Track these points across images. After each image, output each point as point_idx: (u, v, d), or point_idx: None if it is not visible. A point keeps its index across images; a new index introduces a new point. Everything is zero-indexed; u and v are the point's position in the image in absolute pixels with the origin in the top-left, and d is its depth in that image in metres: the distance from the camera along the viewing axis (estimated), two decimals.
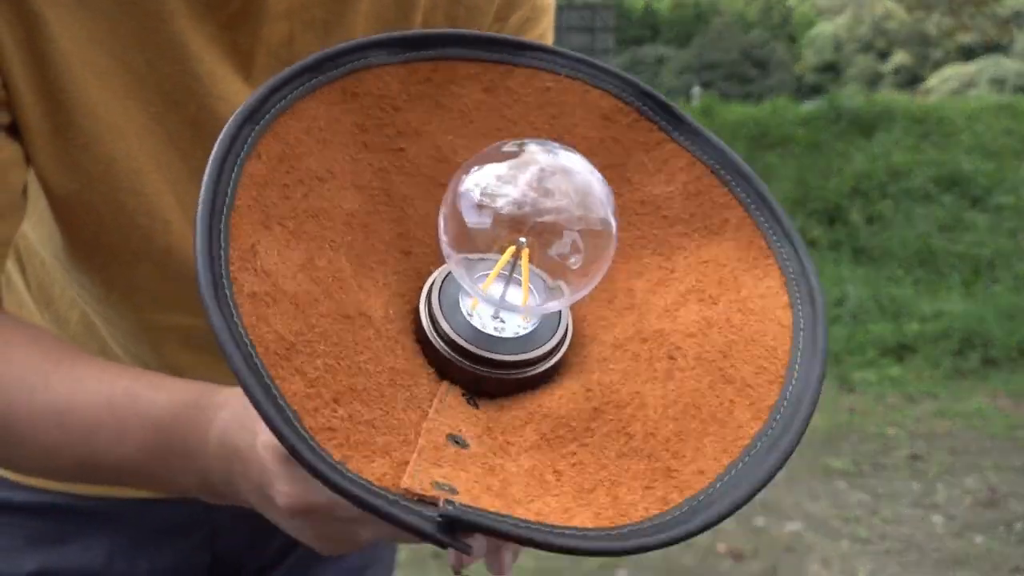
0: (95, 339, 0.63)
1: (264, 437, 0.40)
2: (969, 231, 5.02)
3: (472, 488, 0.32)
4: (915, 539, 2.47)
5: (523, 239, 0.36)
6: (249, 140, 0.35)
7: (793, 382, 0.36)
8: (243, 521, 0.70)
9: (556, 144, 0.38)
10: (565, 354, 0.39)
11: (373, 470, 0.31)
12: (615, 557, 0.30)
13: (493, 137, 0.42)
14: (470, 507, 0.30)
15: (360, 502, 0.30)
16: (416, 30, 0.41)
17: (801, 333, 0.38)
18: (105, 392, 0.49)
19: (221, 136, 0.34)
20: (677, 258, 0.43)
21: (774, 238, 0.42)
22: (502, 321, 0.38)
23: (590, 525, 0.32)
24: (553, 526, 0.31)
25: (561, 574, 2.28)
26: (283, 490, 0.40)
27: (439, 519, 0.30)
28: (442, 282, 0.39)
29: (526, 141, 0.38)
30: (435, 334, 0.37)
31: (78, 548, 0.66)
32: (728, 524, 2.53)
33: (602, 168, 0.40)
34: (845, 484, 2.81)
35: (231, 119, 0.35)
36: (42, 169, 0.52)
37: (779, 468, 0.34)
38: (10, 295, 0.65)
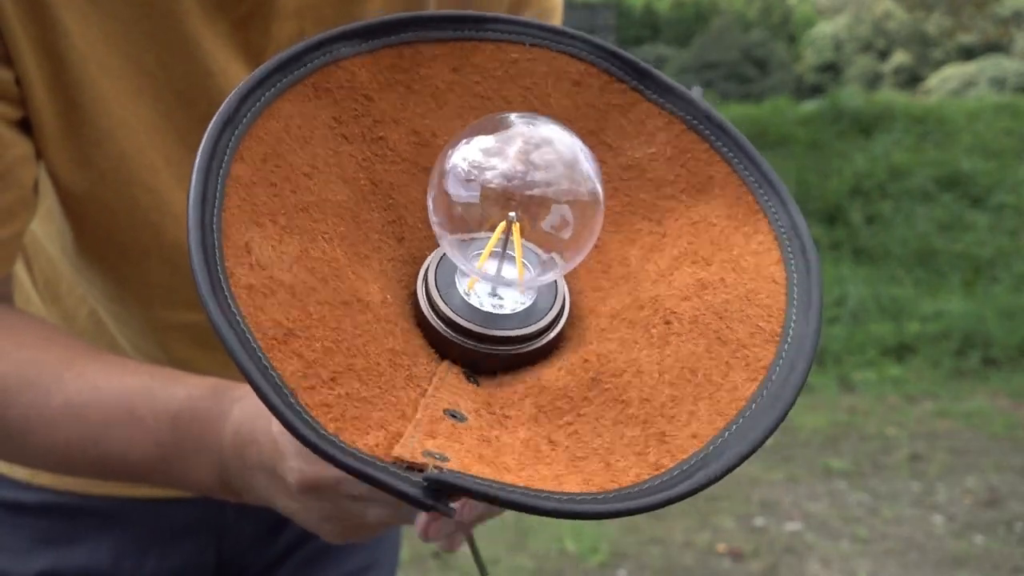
0: (103, 336, 0.63)
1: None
2: (969, 231, 5.02)
3: (464, 457, 0.32)
4: (915, 539, 2.47)
5: (513, 214, 0.36)
6: (231, 144, 0.35)
7: (788, 340, 0.36)
8: (247, 521, 0.70)
9: (537, 115, 0.38)
10: (564, 329, 0.39)
11: (367, 441, 0.32)
12: (598, 520, 0.30)
13: (468, 117, 0.42)
14: (457, 472, 0.30)
15: (348, 468, 0.30)
16: (376, 18, 0.40)
17: (795, 289, 0.38)
18: (119, 390, 0.49)
19: (203, 143, 0.34)
20: (668, 221, 0.42)
21: (761, 192, 0.41)
22: (500, 298, 0.38)
23: (578, 490, 0.32)
24: (539, 491, 0.31)
25: (562, 574, 2.29)
26: (293, 465, 0.41)
27: (425, 483, 0.30)
28: (437, 264, 0.39)
29: (508, 115, 0.37)
30: (433, 315, 0.37)
31: (85, 548, 0.66)
32: (728, 524, 2.53)
33: (582, 135, 0.40)
34: (845, 484, 2.81)
35: (210, 125, 0.35)
36: (54, 166, 0.52)
37: (773, 430, 0.33)
38: (16, 292, 0.65)
